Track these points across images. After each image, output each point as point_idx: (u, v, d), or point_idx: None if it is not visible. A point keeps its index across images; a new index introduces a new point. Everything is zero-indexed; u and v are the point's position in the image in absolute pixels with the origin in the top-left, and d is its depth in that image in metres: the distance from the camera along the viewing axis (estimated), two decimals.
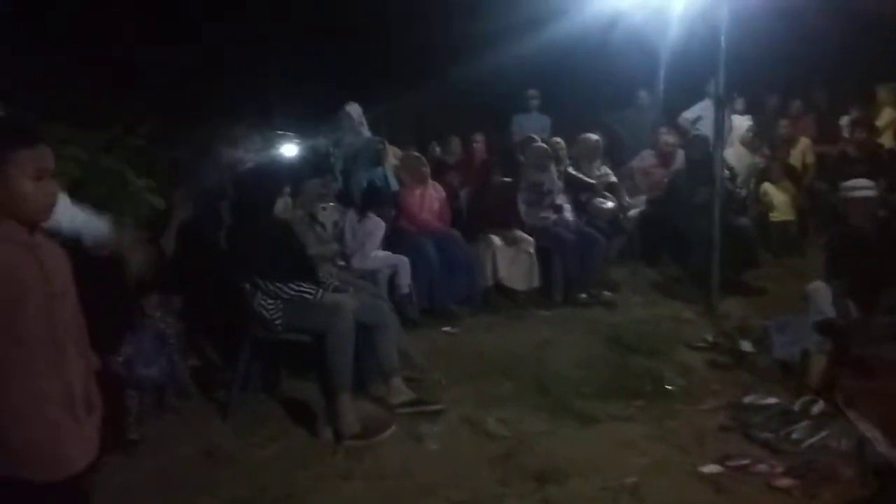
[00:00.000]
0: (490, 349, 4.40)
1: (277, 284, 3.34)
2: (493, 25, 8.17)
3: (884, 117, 7.18)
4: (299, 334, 3.37)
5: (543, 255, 5.32)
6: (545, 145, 5.83)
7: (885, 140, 6.63)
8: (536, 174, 5.65)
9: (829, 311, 3.95)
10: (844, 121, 7.05)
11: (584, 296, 5.27)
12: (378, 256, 4.85)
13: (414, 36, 9.09)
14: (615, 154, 7.47)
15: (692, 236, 5.36)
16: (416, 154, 5.62)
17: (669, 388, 3.67)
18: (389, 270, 4.74)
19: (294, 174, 4.24)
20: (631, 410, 3.46)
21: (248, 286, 3.37)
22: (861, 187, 4.22)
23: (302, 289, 3.38)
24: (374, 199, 5.29)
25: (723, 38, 4.77)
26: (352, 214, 5.13)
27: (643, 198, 6.39)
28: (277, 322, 3.33)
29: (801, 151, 6.97)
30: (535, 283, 5.25)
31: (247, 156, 5.41)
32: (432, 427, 3.34)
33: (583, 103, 8.57)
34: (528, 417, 3.43)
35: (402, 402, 3.50)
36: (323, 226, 4.43)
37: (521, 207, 5.54)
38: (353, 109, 6.07)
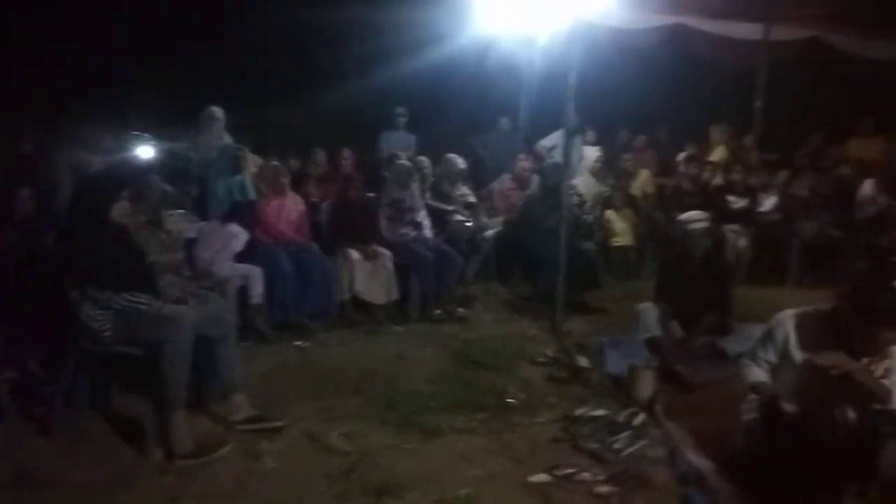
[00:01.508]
0: (342, 364, 4.38)
1: (109, 293, 3.14)
2: (368, 45, 8.28)
3: (716, 155, 7.95)
4: (131, 347, 3.18)
5: (401, 270, 5.39)
6: (408, 163, 5.93)
7: (716, 176, 7.32)
8: (398, 191, 5.71)
9: (656, 331, 4.30)
10: (681, 157, 7.70)
11: (439, 312, 5.38)
12: (230, 266, 4.70)
13: (292, 51, 9.01)
14: (477, 175, 7.74)
15: (542, 258, 5.63)
16: (275, 164, 5.52)
17: (510, 401, 3.81)
18: (240, 281, 4.61)
19: (138, 177, 4.02)
20: (473, 424, 3.56)
21: (76, 294, 3.15)
22: (697, 220, 4.62)
23: (137, 299, 3.19)
24: (232, 208, 5.14)
25: (573, 74, 5.05)
26: (209, 222, 4.95)
27: (500, 219, 6.65)
28: (106, 333, 3.13)
29: (643, 182, 7.54)
30: (393, 296, 5.30)
31: (93, 157, 5.11)
32: (271, 444, 3.27)
33: (450, 125, 8.82)
34: (373, 432, 3.44)
35: (242, 418, 3.40)
36: (169, 233, 4.22)
37: (382, 223, 5.59)
38: (216, 113, 5.87)
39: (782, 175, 6.99)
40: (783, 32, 7.76)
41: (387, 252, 5.35)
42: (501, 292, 6.17)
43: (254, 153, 6.09)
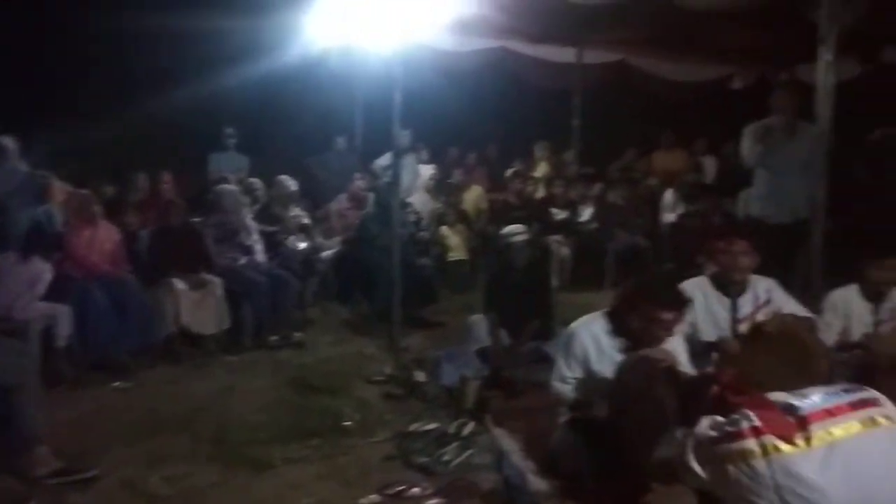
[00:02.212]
0: (167, 402, 4.12)
1: None
2: (192, 62, 7.88)
3: (540, 170, 8.46)
4: None
5: (233, 297, 5.20)
6: (235, 186, 5.75)
7: (539, 190, 7.78)
8: (226, 215, 5.52)
9: (486, 341, 4.48)
10: (509, 173, 8.11)
11: (275, 338, 5.24)
12: (33, 308, 4.29)
13: (104, 67, 8.37)
14: (315, 196, 7.67)
15: (379, 276, 5.68)
16: (85, 192, 5.12)
17: (346, 424, 3.79)
18: (45, 321, 4.21)
19: None
20: (306, 451, 3.49)
21: None
22: (517, 233, 4.87)
23: None
24: (37, 241, 4.70)
25: (398, 94, 5.15)
26: (9, 257, 4.48)
27: (338, 239, 6.63)
28: None
29: (475, 198, 7.85)
30: (224, 325, 5.09)
31: None
32: (83, 496, 3.01)
33: (285, 144, 8.67)
34: (199, 471, 3.27)
35: (48, 472, 3.10)
36: None
37: (211, 248, 5.36)
38: (7, 142, 5.35)
39: (598, 187, 7.57)
40: (594, 56, 8.40)
41: (216, 279, 5.14)
42: (341, 312, 6.13)
43: (64, 180, 5.63)
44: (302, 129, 8.52)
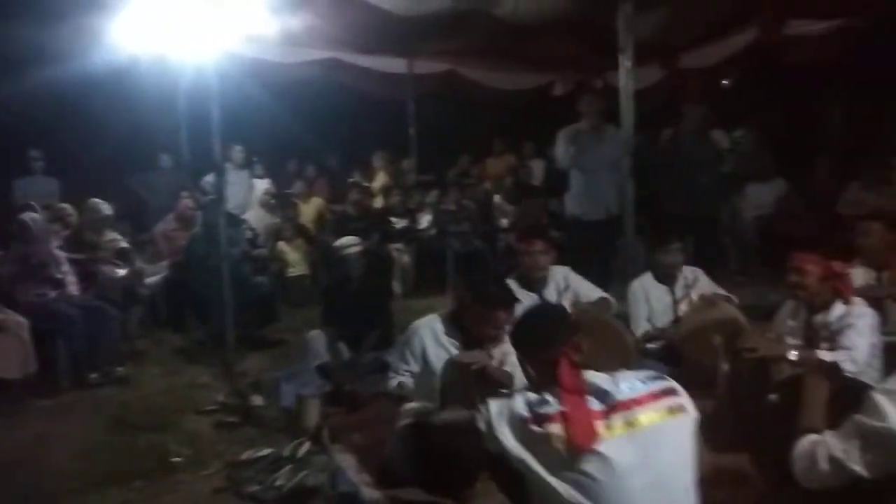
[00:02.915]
0: None
1: None
2: None
3: (378, 180, 8.48)
4: None
5: (44, 335, 4.71)
6: (38, 214, 5.23)
7: (378, 200, 7.79)
8: (31, 246, 5.00)
9: (325, 355, 4.39)
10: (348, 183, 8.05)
11: (94, 376, 4.81)
12: None
13: None
14: (140, 218, 7.18)
15: (210, 298, 5.40)
16: None
17: (174, 460, 3.55)
18: None
19: None
20: (130, 494, 3.23)
21: None
22: (351, 244, 4.82)
23: None
24: None
25: (215, 107, 4.93)
26: None
27: (165, 263, 6.24)
28: None
29: (317, 210, 7.72)
30: (31, 368, 4.59)
31: None
32: None
33: (100, 164, 8.03)
34: None
35: None
36: None
37: (11, 285, 4.83)
38: None
39: (434, 194, 7.71)
40: (425, 66, 8.56)
41: (20, 318, 4.63)
42: (174, 341, 5.78)
43: None
44: (118, 145, 7.94)
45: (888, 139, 5.68)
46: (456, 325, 3.02)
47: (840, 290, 2.96)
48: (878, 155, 6.24)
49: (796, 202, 6.83)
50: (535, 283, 3.80)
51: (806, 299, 3.05)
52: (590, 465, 1.76)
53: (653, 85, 7.54)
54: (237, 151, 7.69)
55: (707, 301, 3.69)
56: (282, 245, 6.86)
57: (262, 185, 7.64)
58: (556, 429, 1.79)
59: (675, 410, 1.82)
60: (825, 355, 2.73)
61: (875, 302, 3.13)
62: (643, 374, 1.91)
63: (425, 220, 7.34)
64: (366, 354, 4.49)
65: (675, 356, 3.62)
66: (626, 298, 4.03)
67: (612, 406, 1.80)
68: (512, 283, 3.98)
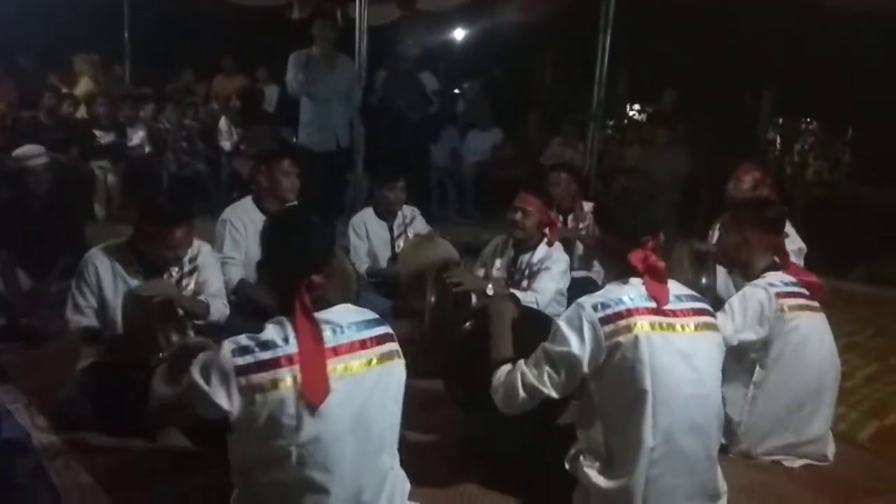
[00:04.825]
0: None
1: None
2: None
3: (81, 87, 7.35)
4: None
5: None
6: None
7: (80, 109, 6.76)
8: None
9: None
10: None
11: None
12: None
13: None
14: None
15: None
16: None
17: None
18: None
19: None
20: None
21: None
22: (35, 155, 4.12)
23: None
24: None
25: None
26: None
27: None
28: None
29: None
30: None
31: None
32: None
33: None
34: None
35: None
36: None
37: None
38: None
39: (150, 108, 6.93)
40: None
41: None
42: None
43: None
44: None
45: (586, 101, 6.41)
46: (135, 252, 2.70)
47: (549, 236, 3.27)
48: (576, 114, 7.04)
49: (509, 151, 7.47)
50: (389, 214, 4.00)
51: (521, 238, 3.30)
52: (305, 410, 1.66)
53: (390, 23, 7.59)
54: None
55: (424, 238, 3.86)
56: None
57: None
58: (284, 373, 1.65)
59: (388, 357, 1.81)
60: (517, 293, 3.00)
61: (564, 242, 3.52)
62: (368, 314, 1.85)
63: (137, 137, 6.55)
64: (52, 283, 3.91)
65: (393, 290, 3.76)
66: (347, 232, 4.04)
67: (341, 344, 1.72)
68: (368, 212, 4.04)
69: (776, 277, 2.56)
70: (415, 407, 2.08)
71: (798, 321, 2.49)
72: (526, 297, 3.00)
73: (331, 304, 1.78)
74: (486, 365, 2.14)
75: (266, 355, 1.65)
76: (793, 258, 3.02)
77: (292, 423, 1.64)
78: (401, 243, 3.97)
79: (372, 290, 3.77)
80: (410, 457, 1.96)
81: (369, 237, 3.99)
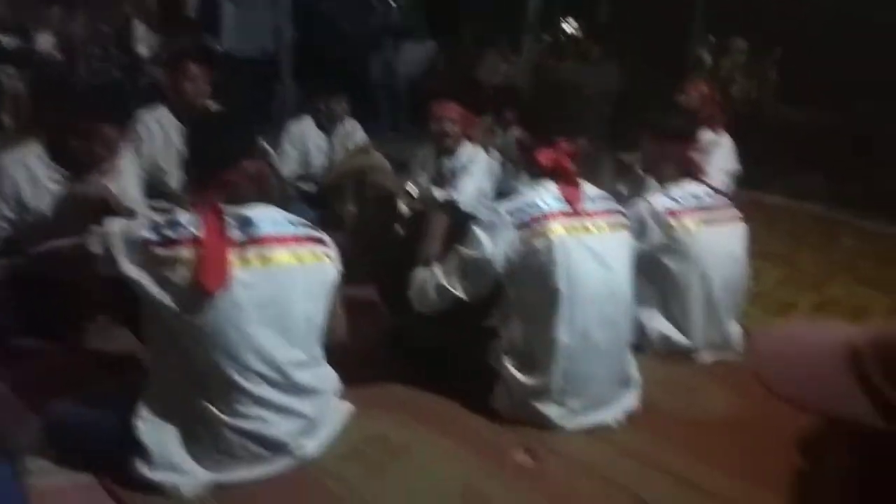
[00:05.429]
0: None
1: None
2: None
3: None
4: None
5: None
6: None
7: None
8: None
9: None
10: None
11: None
12: None
13: None
14: None
15: None
16: None
17: None
18: None
19: None
20: None
21: None
22: None
23: None
24: None
25: None
26: None
27: None
28: None
29: None
30: None
31: None
32: None
33: None
34: None
35: None
36: None
37: None
38: None
39: (58, 10, 6.41)
40: None
41: None
42: None
43: None
44: None
45: (522, 14, 6.30)
46: (59, 153, 2.56)
47: (468, 136, 3.27)
48: (511, 27, 6.92)
49: (443, 64, 7.31)
50: (329, 126, 3.89)
51: (446, 146, 3.29)
52: (215, 302, 1.68)
53: None
54: None
55: (360, 150, 3.80)
56: None
57: None
58: (186, 253, 1.68)
59: (315, 257, 1.82)
60: (439, 193, 3.02)
61: None
62: (293, 217, 1.86)
63: (46, 42, 6.08)
64: None
65: (323, 200, 3.70)
66: (281, 139, 3.93)
67: (253, 239, 1.73)
68: (307, 121, 3.90)
69: (678, 191, 2.60)
70: (345, 312, 2.11)
71: (699, 233, 2.53)
72: (447, 196, 3.01)
73: (250, 203, 1.78)
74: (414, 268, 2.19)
75: (172, 234, 1.69)
76: (722, 176, 3.12)
77: (192, 306, 1.67)
78: (339, 156, 3.90)
79: (302, 202, 3.71)
80: (340, 360, 1.99)
81: (305, 146, 3.89)
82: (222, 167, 1.76)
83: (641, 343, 2.53)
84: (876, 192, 5.15)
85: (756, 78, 7.84)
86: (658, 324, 2.59)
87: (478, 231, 2.02)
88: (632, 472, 1.90)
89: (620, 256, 2.11)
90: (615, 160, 3.34)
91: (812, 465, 0.70)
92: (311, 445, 1.87)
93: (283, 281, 1.76)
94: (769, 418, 0.74)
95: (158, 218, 1.76)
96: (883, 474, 0.63)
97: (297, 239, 1.81)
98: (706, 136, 3.45)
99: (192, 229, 1.70)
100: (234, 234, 1.73)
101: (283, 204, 3.06)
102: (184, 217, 1.72)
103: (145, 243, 1.69)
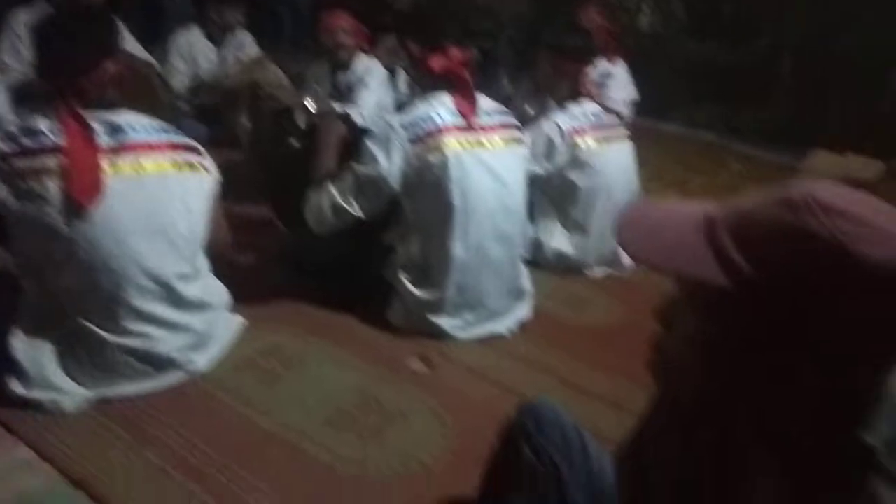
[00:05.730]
0: None
1: None
2: None
3: None
4: None
5: None
6: None
7: None
8: None
9: None
10: None
11: None
12: None
13: None
14: None
15: None
16: None
17: None
18: None
19: None
20: None
21: None
22: None
23: None
24: None
25: None
26: None
27: None
28: None
29: None
30: None
31: None
32: None
33: None
34: None
35: None
36: None
37: None
38: None
39: None
40: None
41: None
42: None
43: None
44: None
45: None
46: None
47: (363, 49, 3.18)
48: None
49: None
50: (219, 37, 3.73)
51: (340, 58, 3.19)
52: (88, 213, 1.59)
53: None
54: None
55: (254, 62, 3.62)
56: None
57: None
58: (50, 163, 1.57)
59: (190, 166, 1.75)
60: (337, 106, 2.95)
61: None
62: (166, 125, 1.77)
63: None
64: None
65: (215, 116, 3.53)
66: (169, 52, 3.69)
67: (123, 145, 1.64)
68: (195, 32, 3.71)
69: (577, 110, 2.63)
70: (239, 229, 2.06)
71: (600, 150, 2.59)
72: (346, 109, 2.96)
73: (119, 108, 1.67)
74: (310, 183, 2.14)
75: (31, 143, 1.58)
76: (619, 106, 3.17)
77: (64, 219, 1.58)
78: (230, 69, 3.70)
79: (193, 117, 3.53)
80: (234, 276, 1.96)
81: (194, 57, 3.67)
82: (75, 69, 1.62)
83: (537, 259, 2.61)
84: (765, 122, 5.43)
85: (662, 12, 7.96)
86: (556, 242, 2.66)
87: (372, 146, 1.99)
88: (520, 376, 1.98)
89: (515, 171, 2.13)
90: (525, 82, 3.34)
91: (665, 329, 0.76)
92: (202, 359, 1.84)
93: (160, 190, 1.69)
94: (646, 323, 0.78)
95: (14, 128, 1.62)
96: (727, 331, 0.67)
97: (173, 146, 1.73)
98: (601, 64, 3.48)
99: (53, 137, 1.58)
100: (103, 140, 1.63)
101: (174, 119, 2.92)
102: (43, 123, 1.60)
103: (2, 156, 1.57)
